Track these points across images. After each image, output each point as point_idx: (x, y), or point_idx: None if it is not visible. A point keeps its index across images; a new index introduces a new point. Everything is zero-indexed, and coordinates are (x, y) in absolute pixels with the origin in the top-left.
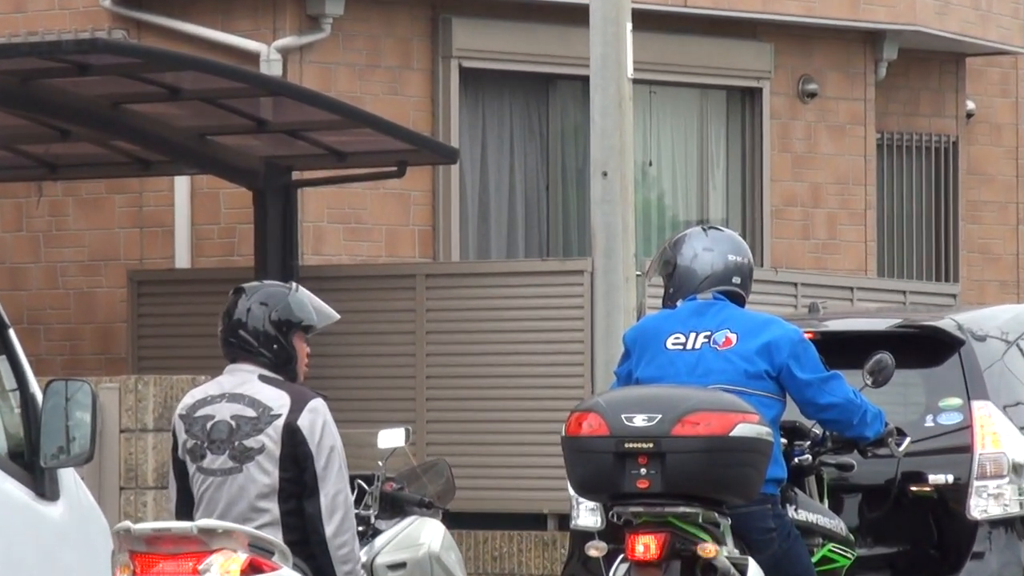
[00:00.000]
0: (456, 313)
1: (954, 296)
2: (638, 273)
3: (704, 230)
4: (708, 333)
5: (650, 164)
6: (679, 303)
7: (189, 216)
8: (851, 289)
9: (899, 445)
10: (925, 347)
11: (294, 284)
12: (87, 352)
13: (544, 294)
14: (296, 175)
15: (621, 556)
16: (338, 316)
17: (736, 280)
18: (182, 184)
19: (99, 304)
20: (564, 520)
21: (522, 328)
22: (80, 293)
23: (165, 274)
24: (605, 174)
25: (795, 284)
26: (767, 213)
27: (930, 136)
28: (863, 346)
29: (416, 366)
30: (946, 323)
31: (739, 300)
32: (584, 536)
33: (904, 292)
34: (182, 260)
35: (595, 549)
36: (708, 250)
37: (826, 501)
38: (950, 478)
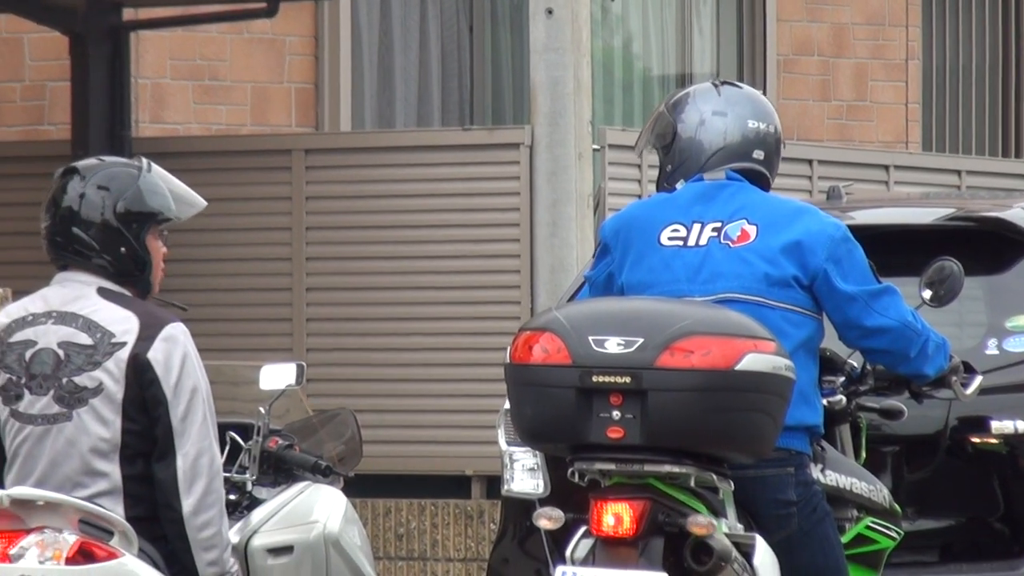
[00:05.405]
0: (347, 202)
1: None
2: (595, 147)
3: (715, 86)
4: (718, 224)
5: None
6: (680, 185)
7: None
8: (886, 168)
9: (966, 386)
10: (987, 247)
11: (145, 161)
12: None
13: (466, 175)
14: (128, 14)
15: (583, 530)
16: (205, 203)
17: (758, 154)
18: None
19: None
20: (493, 484)
21: (436, 222)
22: None
23: None
24: (550, 12)
25: (809, 161)
26: (772, 65)
27: None
28: (902, 246)
29: (293, 274)
30: (1015, 214)
31: (762, 182)
32: (521, 506)
33: (959, 172)
34: None
35: (547, 519)
36: (720, 114)
37: (862, 458)
38: (1022, 425)
